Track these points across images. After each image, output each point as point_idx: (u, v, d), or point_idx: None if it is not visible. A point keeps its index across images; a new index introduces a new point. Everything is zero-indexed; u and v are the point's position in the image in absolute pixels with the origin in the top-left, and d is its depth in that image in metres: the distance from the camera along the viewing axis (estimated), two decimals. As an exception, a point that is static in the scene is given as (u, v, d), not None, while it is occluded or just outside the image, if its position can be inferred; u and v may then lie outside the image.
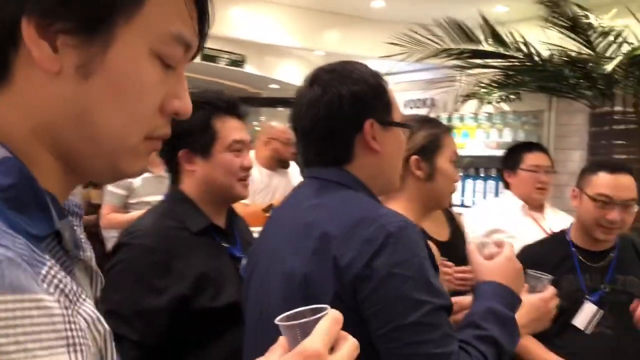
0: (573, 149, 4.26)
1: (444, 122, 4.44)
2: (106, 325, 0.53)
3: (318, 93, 1.16)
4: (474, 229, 2.50)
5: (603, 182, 1.98)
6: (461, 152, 4.37)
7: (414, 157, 1.55)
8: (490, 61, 3.91)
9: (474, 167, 4.33)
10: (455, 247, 2.17)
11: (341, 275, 1.01)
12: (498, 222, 2.64)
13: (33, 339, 0.43)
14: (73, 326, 0.46)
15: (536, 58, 3.68)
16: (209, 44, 2.63)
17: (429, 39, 3.79)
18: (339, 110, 1.14)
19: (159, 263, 1.37)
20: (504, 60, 3.83)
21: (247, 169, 1.54)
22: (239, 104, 1.55)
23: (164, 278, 1.36)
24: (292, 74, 5.13)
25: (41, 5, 0.51)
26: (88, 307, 0.51)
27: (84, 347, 0.47)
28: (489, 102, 4.50)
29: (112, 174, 0.60)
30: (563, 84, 3.84)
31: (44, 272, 0.47)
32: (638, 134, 3.61)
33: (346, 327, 0.85)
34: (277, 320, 0.69)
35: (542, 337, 2.03)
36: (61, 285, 0.48)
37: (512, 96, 4.54)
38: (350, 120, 1.14)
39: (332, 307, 0.79)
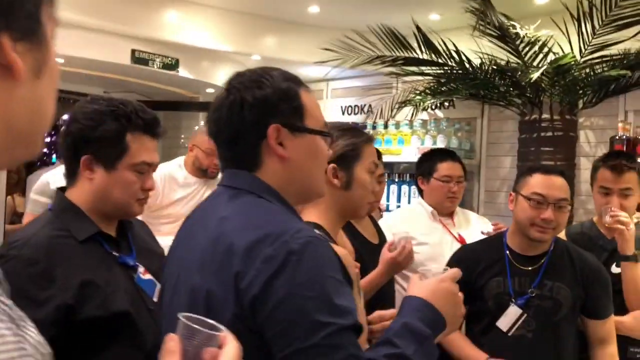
0: (504, 155, 4.37)
1: (379, 128, 4.53)
2: (48, 348, 0.56)
3: (223, 96, 1.14)
4: (387, 235, 2.54)
5: (537, 182, 2.03)
6: (397, 159, 4.44)
7: (331, 166, 1.53)
8: (423, 69, 3.96)
9: (409, 172, 4.37)
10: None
11: (241, 295, 0.97)
12: (406, 228, 2.68)
13: None
14: (23, 352, 0.50)
15: (467, 66, 3.75)
16: (141, 46, 2.54)
17: (363, 45, 3.81)
18: (240, 114, 1.11)
19: (39, 274, 1.30)
20: (437, 68, 3.89)
21: (147, 190, 1.49)
22: (157, 124, 1.50)
23: (45, 289, 1.29)
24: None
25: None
26: (32, 332, 0.55)
27: None
28: (424, 109, 4.56)
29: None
30: (494, 92, 3.93)
31: None
32: (564, 140, 3.73)
33: (247, 349, 0.82)
34: (181, 315, 0.74)
35: (467, 335, 2.10)
36: (8, 311, 0.51)
37: (446, 103, 4.63)
38: (252, 124, 1.11)
39: (231, 327, 0.79)
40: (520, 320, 1.99)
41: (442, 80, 3.87)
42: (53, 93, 0.62)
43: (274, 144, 1.11)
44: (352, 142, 1.55)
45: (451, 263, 2.21)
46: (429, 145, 4.19)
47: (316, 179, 1.20)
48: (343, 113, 5.47)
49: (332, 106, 5.55)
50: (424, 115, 4.66)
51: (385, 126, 4.63)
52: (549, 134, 3.73)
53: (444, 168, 2.75)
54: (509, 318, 1.99)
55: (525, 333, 1.99)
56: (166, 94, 5.70)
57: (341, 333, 0.96)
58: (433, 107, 4.63)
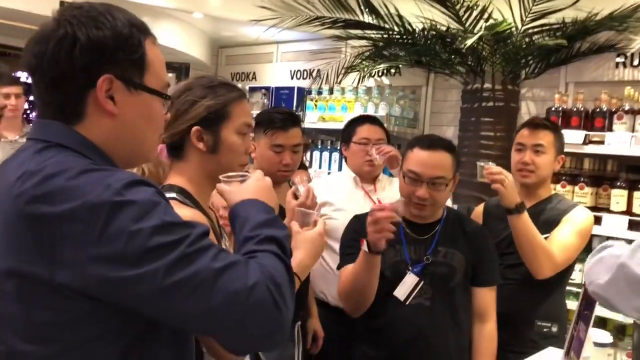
0: (447, 125, 4.29)
1: (325, 93, 4.39)
2: None
3: (50, 27, 0.98)
4: None
5: (414, 159, 1.99)
6: (340, 126, 4.31)
7: (195, 128, 1.41)
8: (366, 32, 3.83)
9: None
10: None
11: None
12: (328, 195, 2.64)
13: None
14: None
15: (409, 30, 3.63)
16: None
17: (302, 5, 3.65)
18: (68, 54, 0.96)
19: None
20: (379, 32, 3.77)
21: None
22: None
23: None
24: (170, 37, 4.84)
25: None
26: None
27: None
28: (371, 75, 4.44)
29: None
30: (437, 59, 3.83)
31: None
32: (506, 111, 3.66)
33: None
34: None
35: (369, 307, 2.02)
36: None
37: (392, 70, 4.52)
38: (80, 68, 0.97)
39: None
40: (418, 288, 1.95)
41: (381, 45, 3.74)
42: None
43: (103, 97, 0.99)
44: (219, 102, 1.43)
45: (345, 234, 2.14)
46: (371, 112, 4.09)
47: (146, 144, 1.08)
48: (292, 77, 5.32)
49: (281, 70, 5.39)
50: (371, 83, 4.54)
51: (331, 92, 4.51)
52: (490, 104, 3.65)
53: (362, 131, 2.70)
54: (406, 286, 1.96)
55: (423, 301, 1.97)
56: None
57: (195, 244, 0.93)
58: (380, 74, 4.51)
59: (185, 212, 1.23)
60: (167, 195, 1.29)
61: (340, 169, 4.28)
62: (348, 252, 2.06)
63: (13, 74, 4.16)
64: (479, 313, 2.05)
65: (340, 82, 4.50)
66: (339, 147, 4.41)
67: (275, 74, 5.41)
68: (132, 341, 0.95)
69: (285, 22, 3.70)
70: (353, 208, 2.57)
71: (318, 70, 4.90)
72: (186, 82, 1.46)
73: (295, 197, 1.93)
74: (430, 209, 2.00)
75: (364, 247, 1.87)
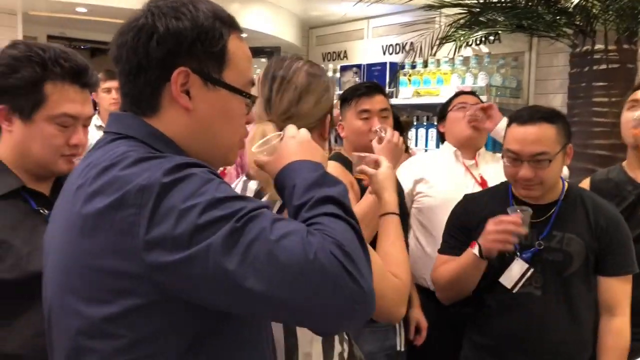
0: (554, 93, 3.97)
1: (419, 66, 4.21)
2: None
3: (134, 17, 0.94)
4: (402, 178, 2.39)
5: (511, 136, 1.80)
6: (436, 100, 4.13)
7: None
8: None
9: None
10: None
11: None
12: (424, 171, 2.50)
13: None
14: None
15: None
16: None
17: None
18: (146, 45, 0.92)
19: None
20: (475, -2, 3.52)
21: (75, 146, 1.34)
22: (84, 71, 1.33)
23: None
24: (260, 22, 4.83)
25: None
26: None
27: None
28: (468, 45, 4.19)
29: None
30: (540, 22, 3.53)
31: None
32: (621, 73, 3.31)
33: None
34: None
35: (473, 293, 1.90)
36: None
37: (490, 37, 4.24)
38: (157, 60, 0.92)
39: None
40: (526, 276, 1.77)
41: (477, 11, 3.49)
42: None
43: (178, 91, 0.93)
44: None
45: (452, 217, 2.00)
46: (469, 84, 3.86)
47: (224, 144, 1.01)
48: (384, 53, 5.16)
49: (372, 46, 5.24)
50: (468, 52, 4.29)
51: (425, 65, 4.31)
52: (603, 66, 3.32)
53: (458, 100, 2.57)
54: (514, 274, 1.78)
55: (533, 290, 1.78)
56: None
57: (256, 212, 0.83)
58: (477, 42, 4.25)
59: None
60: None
61: (437, 146, 4.10)
62: (452, 242, 1.93)
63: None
64: (606, 306, 1.82)
65: (435, 54, 4.29)
66: (435, 123, 4.23)
67: (367, 50, 5.26)
68: (198, 338, 0.88)
69: (373, -6, 3.54)
70: (451, 185, 2.43)
71: (411, 43, 4.72)
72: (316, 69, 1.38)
73: (379, 141, 1.87)
74: (540, 189, 1.79)
75: (475, 250, 1.74)
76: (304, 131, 1.10)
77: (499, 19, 3.62)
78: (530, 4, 3.33)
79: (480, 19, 3.64)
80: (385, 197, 1.42)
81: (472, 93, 2.70)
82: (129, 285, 0.84)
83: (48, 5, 4.20)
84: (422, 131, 4.23)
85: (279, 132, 1.13)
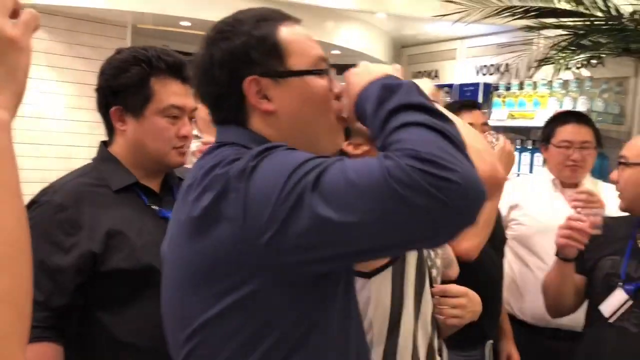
0: (661, 121, 3.75)
1: (514, 88, 4.10)
2: None
3: (197, 54, 1.03)
4: (501, 203, 2.31)
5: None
6: (530, 123, 4.00)
7: None
8: (563, 20, 3.48)
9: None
10: None
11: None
12: (520, 197, 2.41)
13: None
14: None
15: (615, 15, 3.22)
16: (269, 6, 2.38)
17: (490, -5, 3.42)
18: (210, 73, 0.99)
19: (67, 220, 1.30)
20: (578, 19, 3.39)
21: (184, 137, 1.43)
22: (183, 66, 1.42)
23: (72, 236, 1.29)
24: (354, 39, 4.87)
25: None
26: None
27: None
28: (567, 68, 4.04)
29: None
30: (650, 46, 3.35)
31: None
32: None
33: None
34: None
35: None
36: None
37: (593, 61, 4.06)
38: (225, 84, 0.99)
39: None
40: (625, 307, 1.69)
41: (581, 33, 3.36)
42: None
43: (256, 99, 0.98)
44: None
45: None
46: (568, 108, 3.71)
47: (320, 128, 1.03)
48: (477, 73, 5.06)
49: (465, 66, 5.16)
50: (567, 75, 4.13)
51: (521, 87, 4.19)
52: None
53: (564, 132, 2.41)
54: (613, 302, 1.73)
55: (629, 326, 1.70)
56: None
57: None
58: (578, 65, 4.08)
59: None
60: None
61: (531, 171, 3.96)
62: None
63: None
64: None
65: (531, 76, 4.16)
66: (529, 147, 4.10)
67: (459, 70, 5.19)
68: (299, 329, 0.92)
69: (472, 16, 3.49)
70: (547, 215, 2.33)
71: (506, 64, 4.61)
72: None
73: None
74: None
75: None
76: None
77: (604, 41, 3.46)
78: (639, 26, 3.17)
79: (583, 42, 3.50)
80: None
81: (582, 118, 2.52)
82: (242, 276, 0.88)
83: (155, 19, 4.43)
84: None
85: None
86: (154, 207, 1.43)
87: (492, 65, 4.97)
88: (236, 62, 0.98)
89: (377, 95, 0.90)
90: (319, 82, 1.01)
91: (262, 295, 0.88)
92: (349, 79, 1.00)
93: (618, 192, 1.85)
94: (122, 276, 1.32)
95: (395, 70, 0.99)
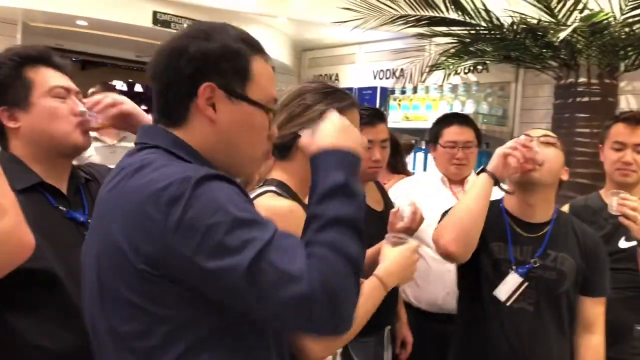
0: (539, 122, 4.10)
1: (408, 92, 4.33)
2: None
3: (172, 40, 1.06)
4: (392, 198, 2.49)
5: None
6: (424, 125, 4.24)
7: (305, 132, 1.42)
8: (452, 29, 3.74)
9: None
10: (387, 217, 2.08)
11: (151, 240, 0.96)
12: (412, 194, 2.58)
13: None
14: None
15: (497, 25, 3.51)
16: (164, 8, 2.50)
17: (385, 4, 3.62)
18: (177, 64, 1.03)
19: None
20: (465, 28, 3.66)
21: (79, 115, 1.42)
22: (52, 54, 1.44)
23: None
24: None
25: None
26: None
27: None
28: (456, 73, 4.34)
29: None
30: (527, 54, 3.68)
31: None
32: (602, 106, 3.46)
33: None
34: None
35: (460, 305, 2.00)
36: None
37: (479, 67, 4.39)
38: (186, 76, 1.03)
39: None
40: (520, 290, 1.83)
41: (467, 41, 3.63)
42: None
43: (204, 104, 1.03)
44: (331, 108, 1.43)
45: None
46: (457, 110, 3.98)
47: (244, 155, 1.10)
48: (375, 77, 5.29)
49: (363, 70, 5.37)
50: (456, 80, 4.43)
51: (415, 91, 4.44)
52: (586, 99, 3.47)
53: (449, 133, 2.62)
54: (508, 286, 1.84)
55: (526, 306, 1.84)
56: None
57: (270, 242, 0.92)
58: (465, 71, 4.39)
59: (282, 203, 1.27)
60: (266, 188, 1.36)
61: (425, 169, 4.21)
62: None
63: (109, 82, 4.41)
64: (586, 324, 1.90)
65: (424, 81, 4.42)
66: (423, 147, 4.35)
67: (358, 74, 5.39)
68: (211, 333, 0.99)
69: (369, 23, 3.68)
70: (436, 210, 2.51)
71: (401, 69, 4.86)
72: (299, 86, 1.47)
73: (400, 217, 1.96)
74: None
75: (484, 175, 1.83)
76: (343, 118, 1.15)
77: (488, 49, 3.76)
78: (518, 36, 3.47)
79: (470, 48, 3.77)
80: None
81: (464, 120, 2.71)
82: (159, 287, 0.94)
83: (48, 17, 4.27)
84: (409, 155, 4.34)
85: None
86: (61, 208, 1.41)
87: (388, 70, 5.21)
88: (205, 64, 1.02)
89: (330, 186, 1.00)
90: (263, 117, 1.09)
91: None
92: (324, 126, 1.10)
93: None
94: (27, 277, 1.28)
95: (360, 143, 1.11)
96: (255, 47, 1.09)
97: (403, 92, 4.52)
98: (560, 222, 1.93)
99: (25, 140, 1.41)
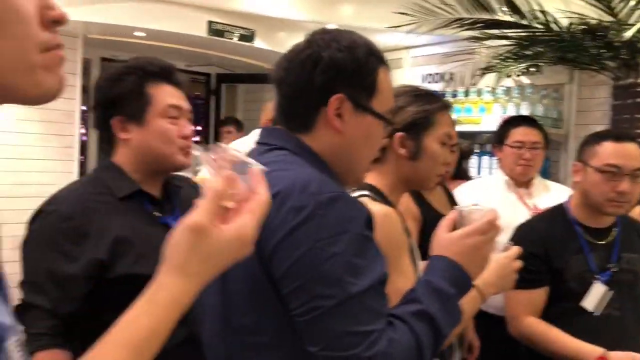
0: (595, 124, 4.03)
1: (460, 95, 4.32)
2: None
3: (300, 47, 1.08)
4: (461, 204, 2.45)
5: (609, 151, 1.84)
6: (477, 128, 4.23)
7: (398, 134, 1.44)
8: (506, 32, 3.72)
9: (491, 143, 4.14)
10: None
11: (261, 242, 0.92)
12: (477, 198, 2.56)
13: None
14: None
15: (554, 27, 3.47)
16: (217, 18, 2.59)
17: (440, 8, 3.62)
18: (311, 72, 1.05)
19: (74, 229, 1.33)
20: (520, 31, 3.64)
21: (186, 137, 1.48)
22: (173, 71, 1.50)
23: (79, 244, 1.32)
24: (305, 49, 4.99)
25: None
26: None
27: None
28: (508, 75, 4.30)
29: (29, 90, 0.62)
30: (584, 55, 3.63)
31: None
32: (664, 107, 3.39)
33: (266, 304, 0.89)
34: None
35: (549, 321, 1.93)
36: None
37: (532, 69, 4.34)
38: (318, 85, 1.05)
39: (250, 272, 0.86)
40: (607, 298, 1.84)
41: (525, 43, 3.60)
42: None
43: (332, 114, 1.06)
44: (424, 109, 1.44)
45: (518, 241, 2.06)
46: (512, 113, 3.96)
47: (361, 164, 1.14)
48: (423, 81, 5.28)
49: (412, 75, 5.37)
50: (508, 82, 4.39)
51: (466, 94, 4.42)
52: (647, 99, 3.40)
53: (516, 133, 2.62)
54: (595, 297, 1.85)
55: (612, 311, 1.85)
56: (246, 66, 5.75)
57: (362, 294, 0.92)
58: (518, 73, 4.35)
59: (378, 208, 1.28)
60: (360, 192, 1.36)
61: (479, 173, 4.18)
62: (525, 275, 1.92)
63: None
64: None
65: (475, 84, 4.40)
66: (476, 151, 4.32)
67: (406, 79, 5.39)
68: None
69: (423, 27, 3.68)
70: (502, 214, 2.50)
71: (451, 73, 4.85)
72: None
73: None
74: (627, 207, 1.88)
75: None
76: (488, 237, 1.14)
77: (543, 51, 3.72)
78: (575, 37, 3.43)
79: (525, 51, 3.74)
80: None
81: (532, 122, 2.71)
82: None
83: (107, 29, 4.40)
84: (462, 158, 4.31)
85: (479, 207, 1.19)
86: (155, 213, 1.47)
87: (437, 73, 5.20)
88: (337, 75, 1.05)
89: (436, 286, 1.03)
90: (382, 129, 1.13)
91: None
92: (460, 237, 1.11)
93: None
94: (128, 282, 1.33)
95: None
96: (381, 60, 1.12)
97: (454, 96, 4.50)
98: (623, 224, 1.95)
99: (132, 152, 1.47)
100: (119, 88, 1.44)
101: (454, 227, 1.16)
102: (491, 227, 1.14)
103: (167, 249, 0.71)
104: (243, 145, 3.34)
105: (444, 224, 1.17)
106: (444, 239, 1.13)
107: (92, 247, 1.34)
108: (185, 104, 1.51)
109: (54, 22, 0.63)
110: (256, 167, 0.73)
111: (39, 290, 1.31)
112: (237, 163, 0.72)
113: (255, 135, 3.46)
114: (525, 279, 1.87)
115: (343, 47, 1.06)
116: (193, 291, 0.69)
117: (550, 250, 1.91)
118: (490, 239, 1.14)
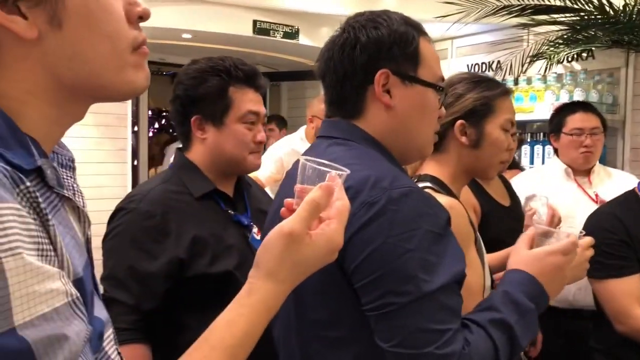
0: (654, 108, 3.91)
1: (509, 84, 4.23)
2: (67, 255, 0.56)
3: (337, 35, 1.08)
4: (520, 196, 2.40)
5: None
6: (529, 117, 4.13)
7: (459, 122, 1.41)
8: (556, 16, 3.62)
9: (543, 131, 4.04)
10: (516, 212, 2.05)
11: None
12: (536, 188, 2.50)
13: (14, 239, 0.48)
14: (42, 234, 0.52)
15: (608, 10, 3.36)
16: (262, 16, 2.61)
17: (486, -5, 3.55)
18: (350, 54, 1.05)
19: (155, 227, 1.36)
20: (571, 15, 3.54)
21: (259, 143, 1.50)
22: (257, 76, 1.50)
23: (159, 242, 1.35)
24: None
25: None
26: (55, 230, 0.55)
27: (50, 256, 0.52)
28: (559, 62, 4.19)
29: (121, 88, 0.64)
30: (640, 37, 3.51)
31: (21, 187, 0.53)
32: None
33: (341, 298, 0.89)
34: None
35: None
36: (34, 203, 0.53)
37: (584, 54, 4.22)
38: (360, 66, 1.05)
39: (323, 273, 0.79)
40: None
41: (578, 28, 3.50)
42: (93, 35, 0.60)
43: (380, 90, 1.05)
44: (484, 96, 1.42)
45: (593, 231, 2.02)
46: (564, 100, 3.85)
47: (420, 137, 1.12)
48: (469, 71, 5.19)
49: (457, 65, 5.29)
50: (559, 69, 4.28)
51: (516, 82, 4.32)
52: None
53: (574, 120, 2.54)
54: None
55: None
56: (289, 64, 5.77)
57: (436, 292, 0.90)
58: (569, 59, 4.23)
59: (442, 199, 1.27)
60: (422, 184, 1.34)
61: (531, 162, 4.09)
62: (614, 262, 1.87)
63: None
64: None
65: (525, 72, 4.30)
66: (528, 140, 4.23)
67: (451, 70, 5.32)
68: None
69: (471, 16, 3.62)
70: (565, 201, 2.44)
71: (498, 61, 4.75)
72: (449, 77, 1.47)
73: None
74: None
75: None
76: (569, 257, 1.12)
77: (598, 34, 3.61)
78: (633, 19, 3.31)
79: (577, 36, 3.64)
80: None
81: (588, 107, 2.65)
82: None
83: (155, 32, 4.48)
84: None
85: (556, 231, 1.18)
86: (230, 212, 1.50)
87: (484, 63, 5.11)
88: (378, 52, 1.04)
89: (515, 299, 1.01)
90: (435, 97, 1.11)
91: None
92: (544, 254, 1.09)
93: None
94: (205, 280, 1.38)
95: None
96: (420, 29, 1.10)
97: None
98: None
99: (207, 151, 1.50)
100: (203, 88, 1.46)
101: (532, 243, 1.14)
102: (574, 248, 1.11)
103: (260, 253, 0.73)
104: (290, 142, 3.35)
105: (524, 239, 1.15)
106: (526, 255, 1.10)
107: (172, 245, 1.37)
108: (262, 109, 1.53)
109: (139, 17, 0.64)
110: (340, 172, 0.75)
111: (121, 286, 1.34)
112: (320, 168, 0.74)
113: (301, 132, 3.47)
114: (614, 267, 1.84)
115: (378, 23, 1.05)
116: (283, 295, 0.72)
117: (634, 236, 1.86)
118: (571, 260, 1.11)
